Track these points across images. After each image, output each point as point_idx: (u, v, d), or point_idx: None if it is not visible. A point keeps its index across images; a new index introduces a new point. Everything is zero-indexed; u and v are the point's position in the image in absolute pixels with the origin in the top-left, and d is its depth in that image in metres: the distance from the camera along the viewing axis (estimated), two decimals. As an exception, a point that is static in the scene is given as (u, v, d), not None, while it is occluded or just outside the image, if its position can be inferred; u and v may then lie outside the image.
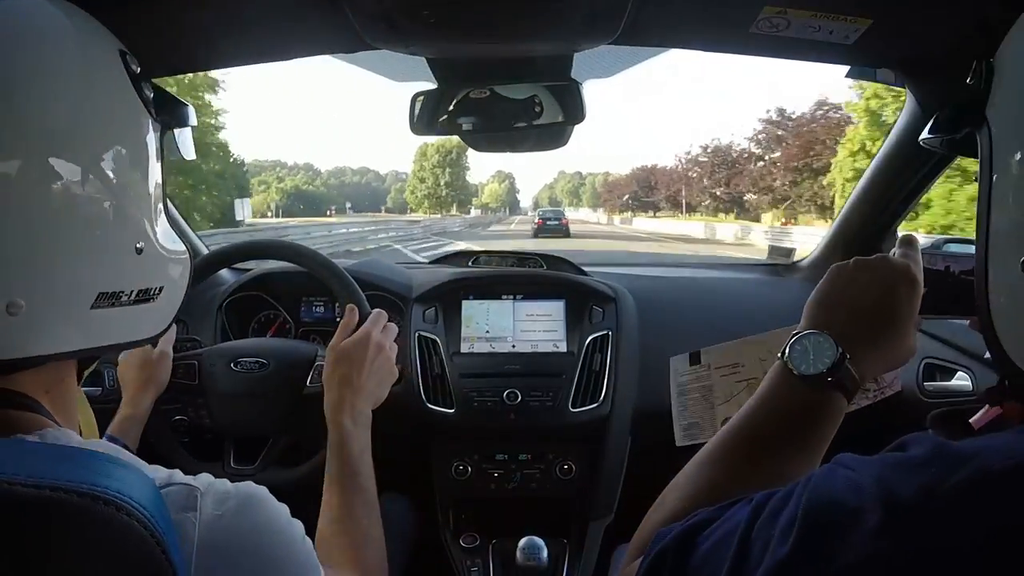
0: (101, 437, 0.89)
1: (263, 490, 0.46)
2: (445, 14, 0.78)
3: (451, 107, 0.95)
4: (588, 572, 1.15)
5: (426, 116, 0.97)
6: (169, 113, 0.52)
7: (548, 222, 26.03)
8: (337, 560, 0.64)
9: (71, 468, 0.35)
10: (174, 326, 0.99)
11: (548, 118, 0.94)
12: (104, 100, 0.44)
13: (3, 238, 0.38)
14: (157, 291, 0.48)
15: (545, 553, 1.05)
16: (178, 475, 0.43)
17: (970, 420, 0.63)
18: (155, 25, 0.79)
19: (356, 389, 0.77)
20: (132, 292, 0.46)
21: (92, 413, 0.56)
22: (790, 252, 1.81)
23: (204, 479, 0.43)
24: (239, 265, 1.44)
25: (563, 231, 25.12)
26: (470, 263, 1.59)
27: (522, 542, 1.06)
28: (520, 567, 1.04)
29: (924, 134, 0.55)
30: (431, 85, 0.99)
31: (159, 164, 0.49)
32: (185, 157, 0.58)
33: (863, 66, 1.01)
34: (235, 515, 0.42)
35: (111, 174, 0.43)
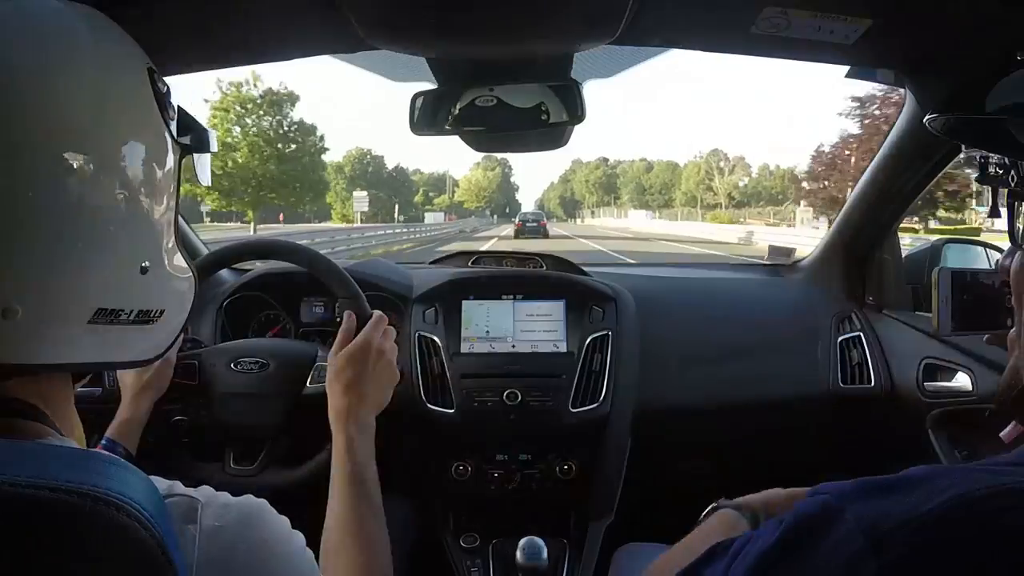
0: (100, 440, 0.88)
1: (263, 503, 0.46)
2: (445, 14, 0.78)
3: (456, 110, 0.95)
4: (588, 572, 1.15)
5: (427, 116, 0.97)
6: (191, 136, 0.51)
7: (527, 224, 30.04)
8: (343, 568, 0.64)
9: (72, 469, 0.34)
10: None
11: (552, 120, 0.94)
12: (127, 115, 0.44)
13: (7, 242, 0.38)
14: (158, 314, 0.47)
15: (545, 553, 1.04)
16: (178, 486, 0.42)
17: (1000, 435, 0.63)
18: (154, 26, 0.79)
19: (360, 396, 0.76)
20: (132, 312, 0.45)
21: (81, 426, 0.56)
22: (790, 252, 1.81)
23: (205, 491, 0.43)
24: (239, 265, 1.44)
25: (542, 232, 29.26)
26: (470, 263, 1.59)
27: (522, 542, 1.06)
28: (520, 567, 1.04)
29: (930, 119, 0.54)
30: (431, 85, 0.99)
31: (175, 186, 0.49)
32: (201, 182, 0.58)
33: (863, 66, 1.01)
34: (235, 528, 0.42)
35: (125, 191, 0.43)
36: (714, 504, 0.67)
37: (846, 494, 0.36)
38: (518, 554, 1.05)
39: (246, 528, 0.43)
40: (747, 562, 0.39)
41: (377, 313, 0.84)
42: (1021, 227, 0.51)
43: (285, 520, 0.47)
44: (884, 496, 0.35)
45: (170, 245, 0.49)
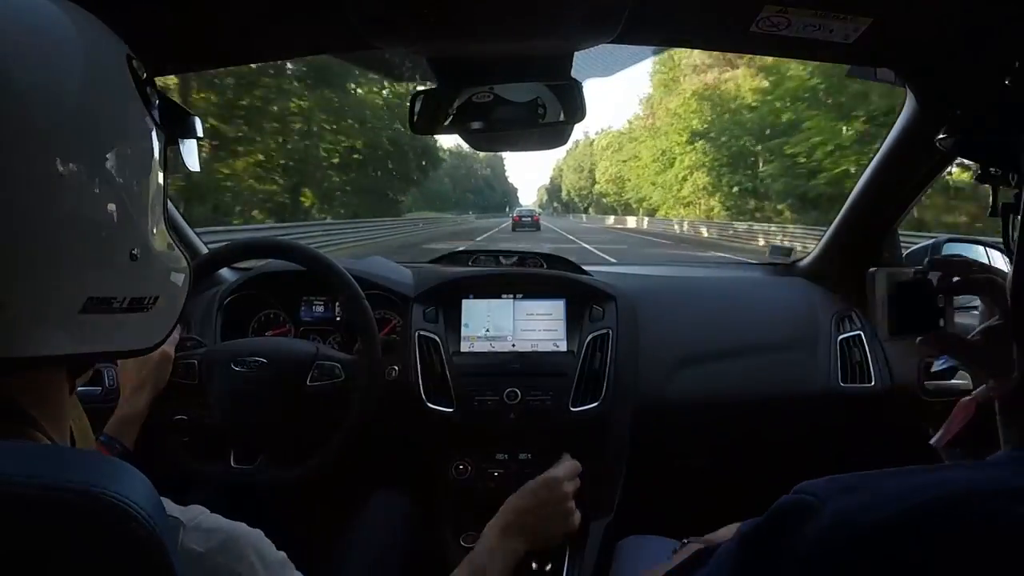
0: (99, 437, 0.89)
1: (256, 534, 0.45)
2: (445, 13, 0.78)
3: (453, 108, 0.95)
4: (588, 571, 1.15)
5: (427, 115, 0.97)
6: (175, 123, 0.51)
7: (523, 218, 33.71)
8: None
9: (71, 469, 0.34)
10: (179, 329, 1.00)
11: (549, 118, 0.94)
12: (108, 103, 0.44)
13: None
14: (151, 301, 0.47)
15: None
16: (168, 505, 0.41)
17: (931, 442, 0.64)
18: (153, 25, 0.79)
19: (527, 530, 0.81)
20: (124, 299, 0.44)
21: (88, 423, 0.55)
22: (789, 252, 1.82)
23: (192, 512, 0.42)
24: (239, 265, 1.44)
25: (535, 227, 32.46)
26: (470, 262, 1.59)
27: None
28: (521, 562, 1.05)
29: (941, 139, 0.54)
30: (431, 84, 0.99)
31: (161, 172, 0.48)
32: (189, 169, 0.57)
33: (863, 65, 1.01)
34: (215, 556, 0.41)
35: (110, 178, 0.43)
36: (684, 540, 0.74)
37: (822, 490, 0.37)
38: None
39: (225, 557, 0.41)
40: (729, 548, 0.41)
41: (574, 463, 0.93)
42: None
43: (279, 556, 0.46)
44: (859, 493, 0.36)
45: (159, 232, 0.48)
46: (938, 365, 0.91)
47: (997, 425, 0.60)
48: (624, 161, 50.48)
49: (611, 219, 47.73)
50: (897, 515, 0.33)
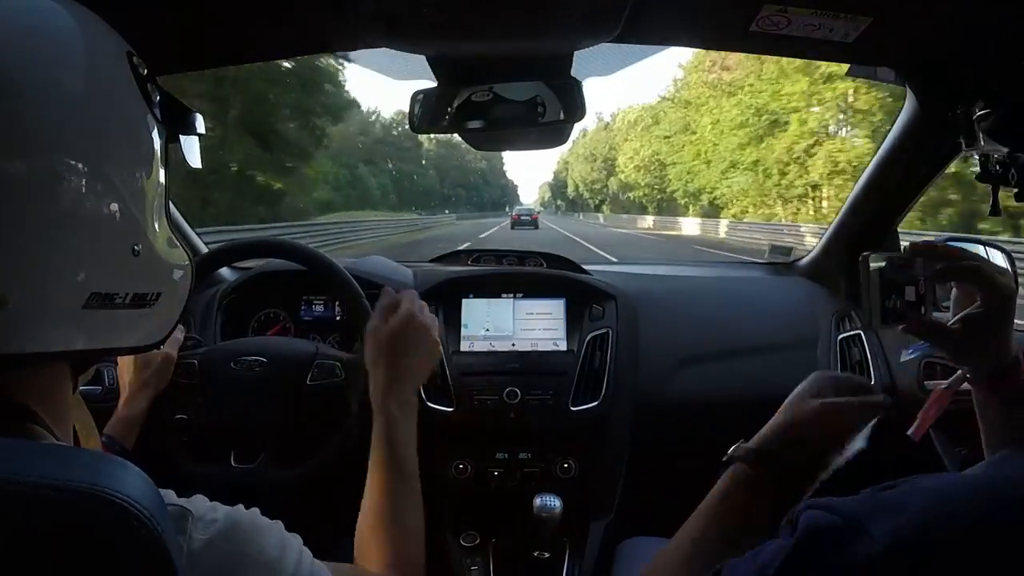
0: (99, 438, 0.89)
1: (251, 514, 0.45)
2: (445, 13, 0.78)
3: (453, 107, 0.95)
4: (588, 571, 1.15)
5: (427, 114, 0.97)
6: (176, 119, 0.51)
7: (522, 216, 34.29)
8: (374, 557, 0.63)
9: (71, 467, 0.34)
10: (182, 329, 1.00)
11: (549, 117, 0.94)
12: (108, 101, 0.44)
13: None
14: (154, 297, 0.47)
15: (558, 503, 1.09)
16: (171, 496, 0.42)
17: (908, 432, 0.65)
18: (153, 25, 0.79)
19: (401, 375, 0.74)
20: (127, 295, 0.44)
21: (92, 421, 0.55)
22: (788, 251, 1.82)
23: (197, 502, 0.43)
24: (239, 264, 1.44)
25: (534, 224, 32.98)
26: (470, 262, 1.59)
27: (537, 500, 1.09)
28: (536, 516, 1.09)
29: (979, 116, 0.54)
30: (431, 83, 0.99)
31: (163, 168, 0.48)
32: (191, 165, 0.57)
33: (863, 64, 1.01)
34: (218, 541, 0.41)
35: (111, 175, 0.43)
36: (730, 451, 0.63)
37: (863, 510, 0.36)
38: (536, 502, 1.09)
39: (228, 542, 0.42)
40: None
41: (411, 290, 0.82)
42: None
43: (275, 527, 0.47)
44: (902, 511, 0.34)
45: (161, 228, 0.48)
46: (906, 355, 0.92)
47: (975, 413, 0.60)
48: (667, 137, 34.16)
49: (648, 220, 33.24)
50: (967, 526, 0.32)
